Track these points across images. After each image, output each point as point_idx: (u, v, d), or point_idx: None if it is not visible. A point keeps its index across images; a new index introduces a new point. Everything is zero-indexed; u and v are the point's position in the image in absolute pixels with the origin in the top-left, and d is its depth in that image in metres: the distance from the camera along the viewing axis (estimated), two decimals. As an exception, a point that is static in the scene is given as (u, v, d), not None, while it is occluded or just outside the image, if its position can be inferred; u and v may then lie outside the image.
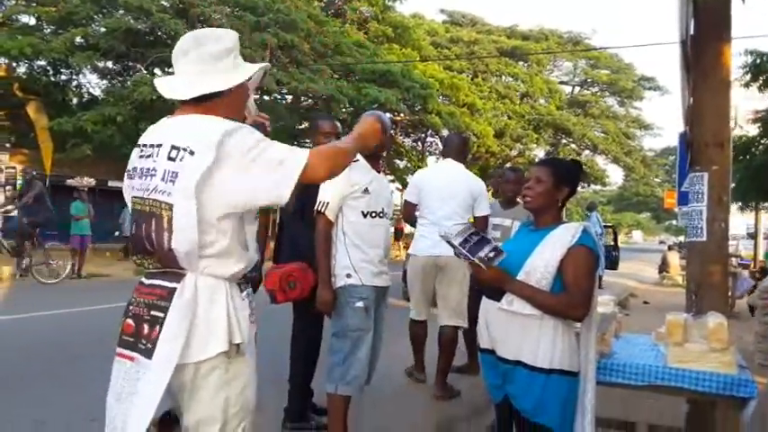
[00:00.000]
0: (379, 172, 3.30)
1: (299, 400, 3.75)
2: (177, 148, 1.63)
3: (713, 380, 2.57)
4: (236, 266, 1.74)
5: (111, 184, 19.85)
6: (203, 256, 1.66)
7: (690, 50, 4.01)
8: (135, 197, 1.74)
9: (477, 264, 2.27)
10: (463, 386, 4.83)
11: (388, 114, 22.29)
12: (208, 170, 1.59)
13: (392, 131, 24.41)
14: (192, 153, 1.61)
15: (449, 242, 2.31)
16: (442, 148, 4.45)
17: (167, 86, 1.77)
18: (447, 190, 4.57)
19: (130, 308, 1.76)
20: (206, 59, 1.72)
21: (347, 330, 3.08)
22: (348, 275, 3.10)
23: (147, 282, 1.75)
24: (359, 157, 3.00)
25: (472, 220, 4.53)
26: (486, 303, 2.50)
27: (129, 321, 1.73)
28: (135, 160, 1.76)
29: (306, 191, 3.83)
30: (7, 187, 14.06)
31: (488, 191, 5.42)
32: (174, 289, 1.66)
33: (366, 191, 3.14)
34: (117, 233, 16.42)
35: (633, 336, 3.52)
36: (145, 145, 1.74)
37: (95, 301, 9.13)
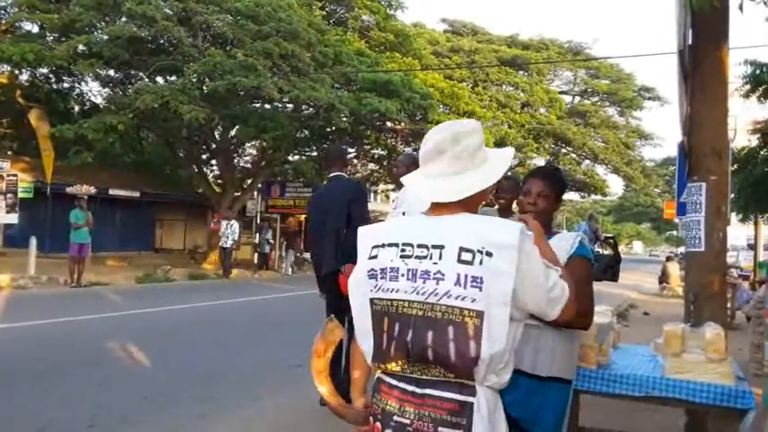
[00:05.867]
0: None
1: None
2: (470, 251, 1.53)
3: (710, 391, 2.57)
4: (508, 377, 1.63)
5: (111, 192, 19.91)
6: (494, 369, 1.56)
7: (688, 60, 4.02)
8: (404, 300, 1.60)
9: None
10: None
11: (388, 123, 22.34)
12: (515, 273, 1.52)
13: (393, 142, 24.16)
14: (489, 255, 1.52)
15: None
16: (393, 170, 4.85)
17: (428, 191, 1.68)
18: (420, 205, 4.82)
19: (398, 420, 1.59)
20: (463, 157, 1.65)
21: None
22: None
23: (419, 391, 1.58)
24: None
25: None
26: None
27: None
28: (392, 260, 1.63)
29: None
30: (8, 195, 14.06)
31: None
32: (470, 403, 1.54)
33: None
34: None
35: (632, 346, 3.51)
36: (409, 244, 1.62)
37: (96, 310, 9.12)
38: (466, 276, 1.52)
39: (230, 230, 18.00)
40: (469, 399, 1.54)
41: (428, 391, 1.57)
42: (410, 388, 1.59)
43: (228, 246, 18.01)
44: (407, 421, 1.57)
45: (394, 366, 1.62)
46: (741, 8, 3.84)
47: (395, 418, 1.59)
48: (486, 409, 1.54)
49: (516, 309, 1.56)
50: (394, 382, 1.62)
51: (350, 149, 26.78)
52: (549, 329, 2.29)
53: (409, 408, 1.58)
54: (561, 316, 1.66)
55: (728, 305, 9.20)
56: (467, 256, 1.53)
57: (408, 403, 1.58)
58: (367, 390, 1.78)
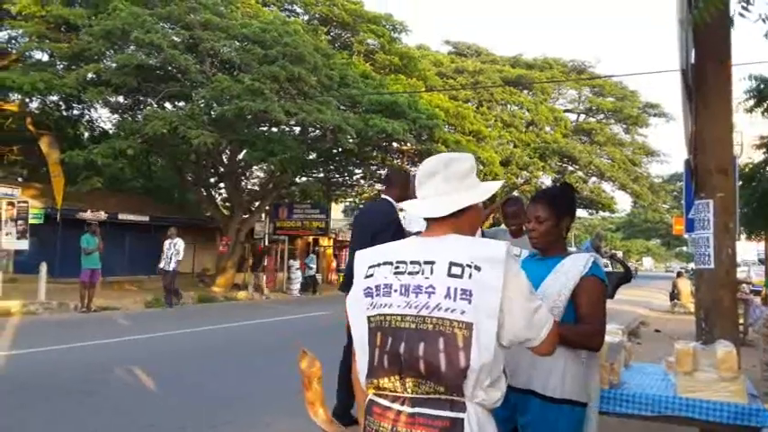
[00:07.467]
0: None
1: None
2: (459, 265, 1.60)
3: (724, 409, 2.55)
4: (499, 395, 1.64)
5: (121, 216, 20.04)
6: (482, 383, 1.58)
7: (691, 78, 4.05)
8: (397, 315, 1.64)
9: None
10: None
11: (395, 144, 22.40)
12: (502, 287, 1.57)
13: (399, 162, 24.21)
14: (478, 269, 1.58)
15: None
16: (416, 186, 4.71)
17: (421, 208, 1.78)
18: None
19: None
20: (453, 179, 1.76)
21: None
22: None
23: (410, 410, 1.60)
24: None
25: None
26: None
27: None
28: (386, 277, 1.69)
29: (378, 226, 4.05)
30: (19, 221, 14.19)
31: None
32: (461, 420, 1.55)
33: None
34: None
35: (644, 365, 3.49)
36: (402, 262, 1.69)
37: (107, 335, 9.14)
38: (456, 289, 1.58)
39: (174, 250, 14.86)
40: (460, 415, 1.57)
41: (419, 409, 1.59)
42: (402, 408, 1.61)
43: (171, 268, 14.77)
44: None
45: (386, 382, 1.65)
46: (732, 23, 3.89)
47: None
48: (477, 425, 1.56)
49: (500, 329, 1.58)
50: (386, 403, 1.65)
51: (356, 170, 26.91)
52: (560, 350, 2.28)
53: (402, 428, 1.59)
54: (541, 346, 1.68)
55: (741, 321, 9.12)
56: (456, 270, 1.59)
57: (400, 423, 1.60)
58: None
